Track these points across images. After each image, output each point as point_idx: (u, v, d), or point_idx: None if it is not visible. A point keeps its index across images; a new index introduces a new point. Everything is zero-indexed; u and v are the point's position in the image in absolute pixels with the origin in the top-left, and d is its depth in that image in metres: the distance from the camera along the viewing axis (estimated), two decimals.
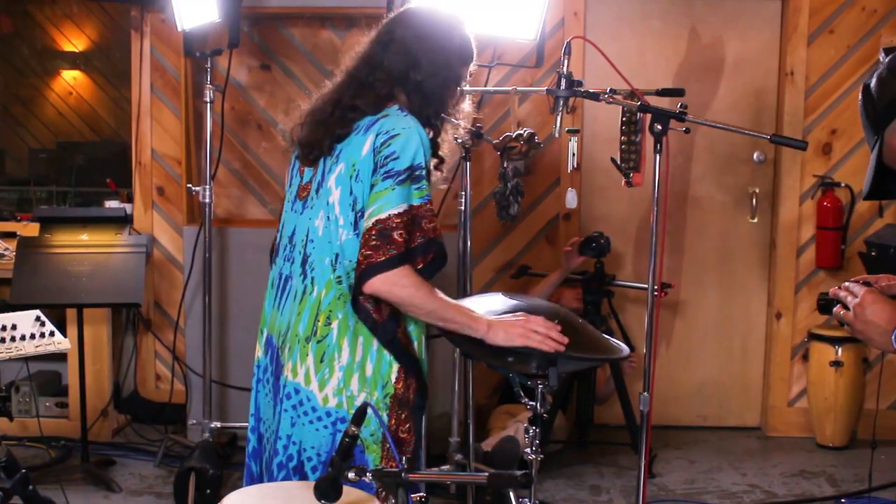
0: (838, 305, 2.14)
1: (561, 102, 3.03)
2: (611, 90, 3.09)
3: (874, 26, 5.05)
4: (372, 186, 2.41)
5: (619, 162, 3.22)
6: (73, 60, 7.30)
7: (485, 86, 4.85)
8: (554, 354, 2.47)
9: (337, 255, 2.45)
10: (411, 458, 2.46)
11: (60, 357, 4.54)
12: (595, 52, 3.05)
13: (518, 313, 2.54)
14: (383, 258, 2.36)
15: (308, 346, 2.45)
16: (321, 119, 2.54)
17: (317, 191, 2.52)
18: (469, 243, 4.00)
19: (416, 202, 2.42)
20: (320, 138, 2.52)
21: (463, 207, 4.01)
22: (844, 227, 5.07)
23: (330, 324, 2.44)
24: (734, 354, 5.37)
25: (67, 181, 6.13)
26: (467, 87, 2.72)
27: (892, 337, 2.00)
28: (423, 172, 2.44)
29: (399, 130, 2.44)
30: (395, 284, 2.38)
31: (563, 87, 3.02)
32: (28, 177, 6.63)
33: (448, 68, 2.57)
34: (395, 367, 2.47)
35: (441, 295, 2.48)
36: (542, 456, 2.75)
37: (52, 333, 3.28)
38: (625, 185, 3.22)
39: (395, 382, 2.48)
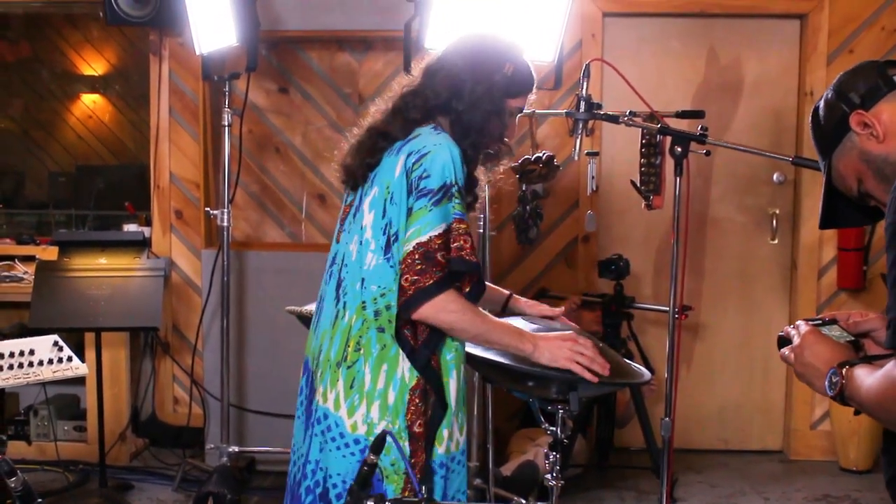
0: (788, 346, 1.94)
1: (580, 125, 3.02)
2: (630, 112, 3.08)
3: (894, 45, 5.01)
4: (410, 210, 2.37)
5: (638, 185, 3.20)
6: (93, 84, 7.33)
7: None
8: (582, 380, 2.44)
9: (363, 280, 2.42)
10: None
11: (79, 381, 4.54)
12: (613, 74, 3.04)
13: (568, 332, 2.50)
14: (431, 282, 2.33)
15: (339, 371, 2.42)
16: (357, 145, 2.53)
17: (353, 216, 2.50)
18: (488, 266, 3.99)
19: (453, 220, 2.38)
20: (356, 166, 2.51)
21: (482, 230, 4.00)
22: (866, 248, 5.03)
23: (359, 349, 2.41)
24: (755, 377, 5.32)
25: (86, 204, 6.14)
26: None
27: (826, 381, 1.85)
28: (456, 189, 2.37)
29: (429, 148, 2.38)
30: (443, 310, 2.35)
31: (582, 109, 3.01)
32: (47, 200, 6.64)
33: (490, 100, 2.47)
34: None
35: (487, 315, 2.44)
36: (562, 482, 2.72)
37: (69, 359, 3.28)
38: (644, 208, 3.20)
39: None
